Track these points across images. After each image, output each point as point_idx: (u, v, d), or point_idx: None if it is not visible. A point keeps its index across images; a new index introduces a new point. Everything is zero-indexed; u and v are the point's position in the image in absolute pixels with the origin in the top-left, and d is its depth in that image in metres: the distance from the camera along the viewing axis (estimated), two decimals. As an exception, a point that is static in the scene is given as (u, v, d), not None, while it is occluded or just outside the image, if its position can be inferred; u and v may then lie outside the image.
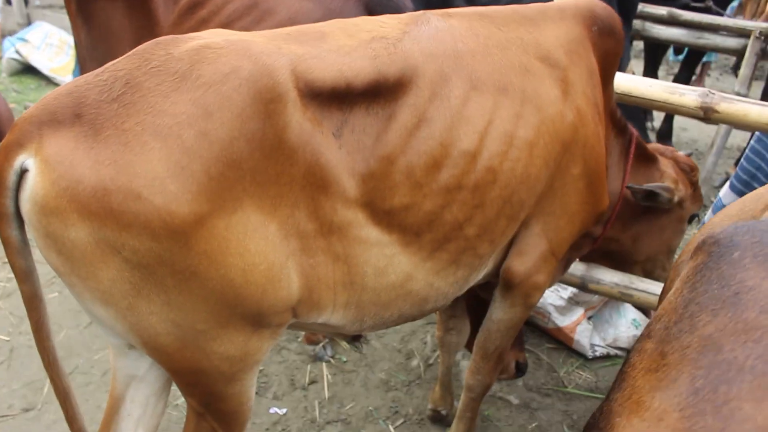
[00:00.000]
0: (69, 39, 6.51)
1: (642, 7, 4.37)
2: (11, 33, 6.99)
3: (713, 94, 2.28)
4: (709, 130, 5.62)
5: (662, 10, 4.34)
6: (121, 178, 1.28)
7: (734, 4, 5.45)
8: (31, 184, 1.31)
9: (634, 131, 2.37)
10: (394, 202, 1.60)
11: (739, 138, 5.79)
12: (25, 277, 1.48)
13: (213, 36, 1.48)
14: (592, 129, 1.92)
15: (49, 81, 6.49)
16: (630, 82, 2.32)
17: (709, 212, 2.94)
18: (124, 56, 1.43)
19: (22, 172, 1.33)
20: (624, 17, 3.52)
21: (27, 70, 6.64)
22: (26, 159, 1.32)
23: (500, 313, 2.13)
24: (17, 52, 6.59)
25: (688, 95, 2.29)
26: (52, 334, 1.59)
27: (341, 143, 1.52)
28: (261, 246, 1.43)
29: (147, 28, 2.65)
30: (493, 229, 1.80)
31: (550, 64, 1.85)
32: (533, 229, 1.95)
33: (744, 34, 4.13)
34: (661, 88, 2.32)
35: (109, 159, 1.29)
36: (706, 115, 2.28)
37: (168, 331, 1.44)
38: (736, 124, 2.26)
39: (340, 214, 1.54)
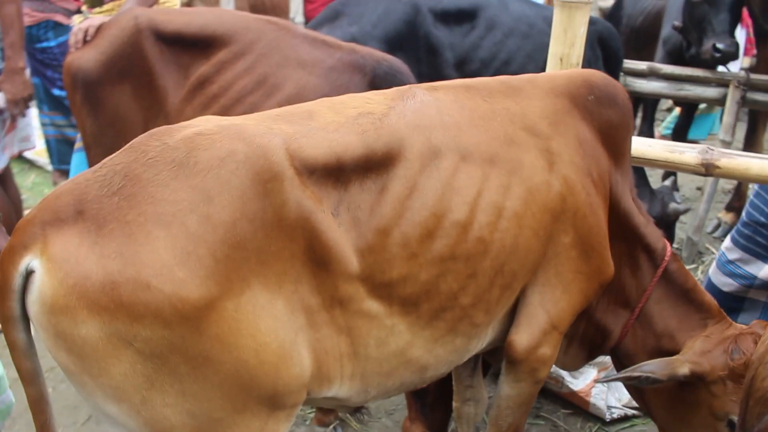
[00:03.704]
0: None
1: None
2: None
3: (712, 150, 2.30)
4: (692, 175, 5.71)
5: (642, 65, 4.46)
6: (128, 270, 1.30)
7: None
8: (39, 285, 1.33)
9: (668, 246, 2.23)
10: (392, 274, 1.62)
11: (722, 180, 5.88)
12: (32, 379, 1.49)
13: (204, 123, 1.53)
14: (583, 198, 1.92)
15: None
16: (629, 143, 2.34)
17: (713, 266, 2.93)
18: (119, 151, 1.47)
19: (28, 274, 1.35)
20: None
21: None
22: (32, 260, 1.34)
23: (507, 389, 2.10)
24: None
25: (687, 153, 2.32)
26: (64, 414, 1.57)
27: (340, 221, 1.55)
28: (271, 324, 1.44)
29: (155, 107, 2.70)
30: (487, 298, 1.81)
31: (535, 134, 1.87)
32: (531, 300, 1.95)
33: (723, 83, 4.25)
34: (660, 148, 2.35)
35: (114, 252, 1.31)
36: (708, 171, 2.30)
37: (184, 423, 1.42)
38: (738, 178, 2.29)
39: (341, 290, 1.56)
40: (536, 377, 2.05)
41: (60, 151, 5.13)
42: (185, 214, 1.36)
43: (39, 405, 1.51)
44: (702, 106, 5.86)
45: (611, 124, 2.03)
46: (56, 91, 4.85)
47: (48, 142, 5.16)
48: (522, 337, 1.95)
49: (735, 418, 1.95)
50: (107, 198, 1.37)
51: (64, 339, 1.34)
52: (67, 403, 3.17)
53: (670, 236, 3.62)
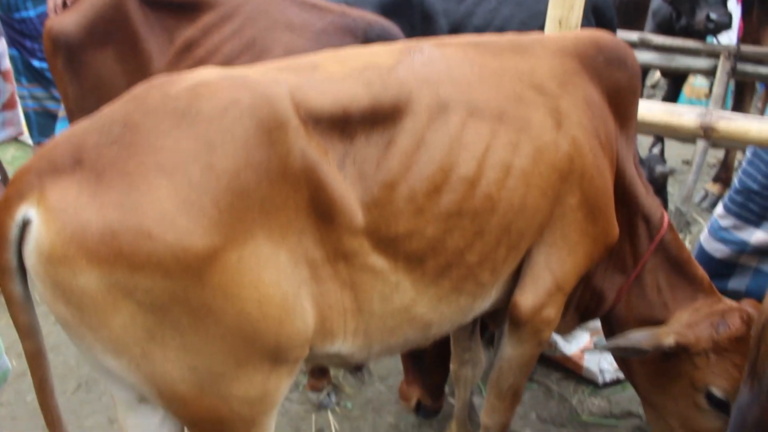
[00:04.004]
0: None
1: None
2: None
3: (711, 113, 2.30)
4: (679, 148, 5.75)
5: (633, 35, 4.46)
6: (129, 219, 1.27)
7: None
8: (36, 235, 1.29)
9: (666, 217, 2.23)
10: (398, 229, 1.60)
11: (708, 153, 5.93)
12: (29, 333, 1.46)
13: (207, 73, 1.48)
14: (590, 160, 1.90)
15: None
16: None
17: (704, 233, 2.94)
18: (118, 100, 1.43)
19: (24, 225, 1.31)
20: None
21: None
22: (28, 210, 1.30)
23: (509, 350, 2.09)
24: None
25: (687, 116, 2.31)
26: (55, 384, 1.57)
27: (345, 174, 1.52)
28: (274, 276, 1.42)
29: (140, 72, 2.62)
30: (494, 257, 1.79)
31: (543, 93, 1.84)
32: (536, 261, 1.93)
33: (714, 54, 4.26)
34: (660, 111, 2.34)
35: (114, 201, 1.27)
36: (707, 134, 2.30)
37: (185, 378, 1.41)
38: (737, 141, 2.28)
39: (346, 244, 1.54)
40: (539, 338, 2.05)
41: (40, 124, 5.01)
42: (187, 163, 1.32)
43: (37, 360, 1.48)
44: (695, 82, 5.85)
45: (619, 86, 2.00)
46: (36, 63, 4.73)
47: (27, 116, 5.03)
48: (527, 298, 1.94)
49: (714, 390, 1.98)
50: (106, 147, 1.33)
51: (62, 290, 1.31)
52: (55, 372, 3.08)
53: (663, 201, 3.63)
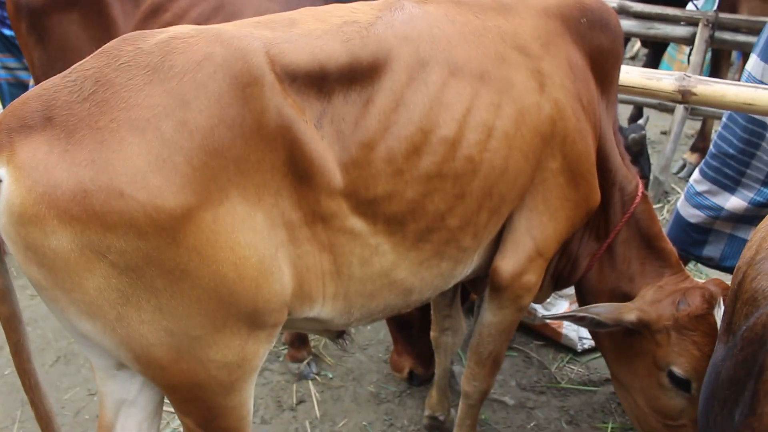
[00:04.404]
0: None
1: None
2: None
3: (689, 77, 2.30)
4: (657, 119, 5.77)
5: (613, 2, 4.43)
6: (100, 178, 1.24)
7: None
8: (6, 195, 1.26)
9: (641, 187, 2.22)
10: (377, 191, 1.58)
11: (686, 125, 5.97)
12: (3, 296, 1.44)
13: (180, 28, 1.45)
14: (573, 123, 1.88)
15: None
16: (607, 70, 2.31)
17: (681, 199, 2.97)
18: (90, 56, 1.39)
19: None
20: None
21: None
22: None
23: (489, 316, 2.09)
24: None
25: (665, 80, 2.30)
26: (33, 357, 1.54)
27: (323, 134, 1.49)
28: (250, 237, 1.40)
29: (106, 38, 2.54)
30: (475, 221, 1.78)
31: (526, 54, 1.82)
32: (517, 227, 1.92)
33: (693, 22, 4.25)
34: (638, 75, 2.33)
35: (86, 159, 1.25)
36: (684, 98, 2.29)
37: (161, 341, 1.39)
38: (714, 105, 2.29)
39: (324, 205, 1.52)
40: (519, 304, 2.05)
41: (13, 95, 4.88)
42: (160, 119, 1.29)
43: (11, 323, 1.46)
44: (684, 59, 5.82)
45: (602, 50, 1.98)
46: (7, 31, 4.59)
47: (-1, 86, 4.92)
48: (507, 264, 1.94)
49: (675, 369, 1.99)
50: (78, 104, 1.30)
51: (34, 251, 1.28)
52: (34, 346, 3.06)
53: (646, 166, 3.63)
